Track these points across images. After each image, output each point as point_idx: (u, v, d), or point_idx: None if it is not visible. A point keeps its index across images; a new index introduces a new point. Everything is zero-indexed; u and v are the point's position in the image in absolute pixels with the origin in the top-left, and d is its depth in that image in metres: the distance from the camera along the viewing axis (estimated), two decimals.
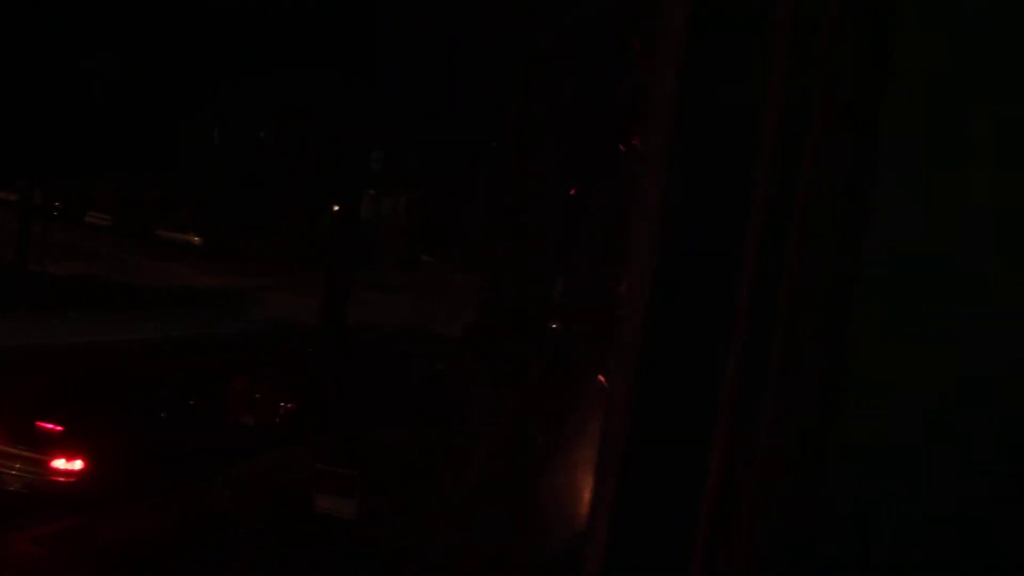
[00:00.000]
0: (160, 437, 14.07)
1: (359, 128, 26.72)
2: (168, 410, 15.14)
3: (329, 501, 11.77)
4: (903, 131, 1.48)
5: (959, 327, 1.47)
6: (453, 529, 12.24)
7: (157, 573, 11.11)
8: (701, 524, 1.52)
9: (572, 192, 17.72)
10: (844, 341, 1.48)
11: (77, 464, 12.80)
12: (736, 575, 1.51)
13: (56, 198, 36.68)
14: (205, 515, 13.25)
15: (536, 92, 18.93)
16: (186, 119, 35.87)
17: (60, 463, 12.62)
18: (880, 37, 1.45)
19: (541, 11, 19.00)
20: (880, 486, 1.50)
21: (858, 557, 1.53)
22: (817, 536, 1.51)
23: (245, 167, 38.33)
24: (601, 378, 10.70)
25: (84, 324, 21.92)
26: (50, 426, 13.07)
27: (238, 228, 39.20)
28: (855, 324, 1.49)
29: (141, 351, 20.25)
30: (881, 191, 1.48)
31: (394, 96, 25.30)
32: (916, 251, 1.48)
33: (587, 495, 10.03)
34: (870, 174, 1.48)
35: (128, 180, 38.72)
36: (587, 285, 16.92)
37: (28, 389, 14.36)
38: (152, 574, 11.13)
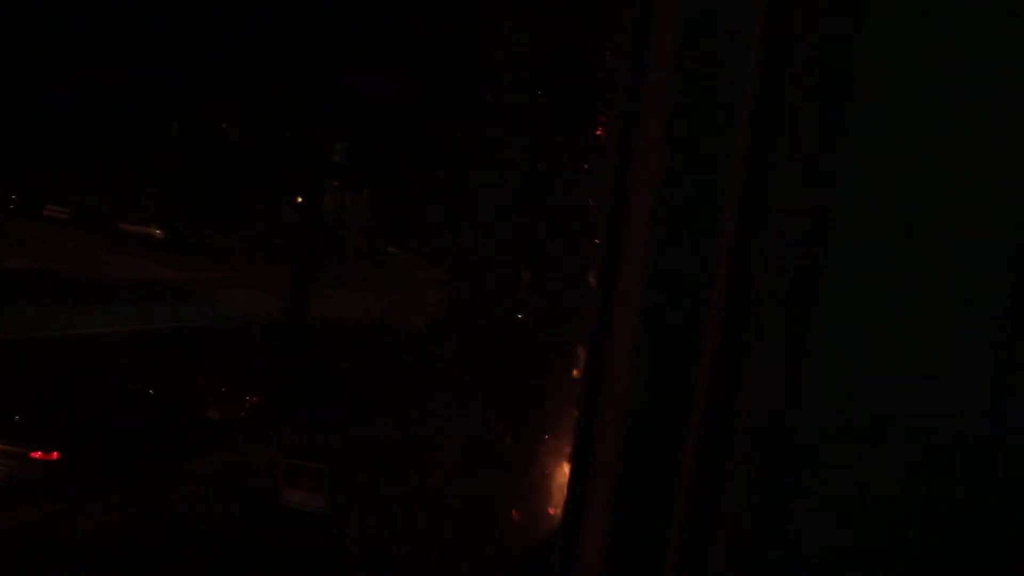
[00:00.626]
0: (129, 431, 14.29)
1: (321, 119, 26.54)
2: (136, 404, 15.22)
3: (297, 495, 11.69)
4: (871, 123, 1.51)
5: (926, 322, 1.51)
6: (423, 523, 12.27)
7: (122, 570, 11.02)
8: (689, 513, 1.56)
9: (538, 182, 17.74)
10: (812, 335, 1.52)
11: (53, 456, 13.02)
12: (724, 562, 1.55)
13: (13, 191, 36.10)
14: (171, 510, 13.18)
15: (501, 80, 18.90)
16: (142, 109, 35.52)
17: (37, 455, 12.87)
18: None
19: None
20: (851, 474, 1.54)
21: (834, 544, 1.56)
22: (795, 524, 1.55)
23: (205, 159, 38.02)
24: (576, 372, 10.75)
25: (41, 319, 21.64)
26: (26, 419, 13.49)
27: (200, 221, 38.84)
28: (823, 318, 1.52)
29: (102, 346, 20.10)
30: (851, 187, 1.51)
31: (355, 86, 25.18)
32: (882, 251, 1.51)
33: (556, 491, 10.10)
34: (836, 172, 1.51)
35: (87, 172, 38.22)
36: (553, 277, 16.97)
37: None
38: (117, 571, 11.03)
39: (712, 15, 1.60)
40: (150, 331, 22.61)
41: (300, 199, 30.20)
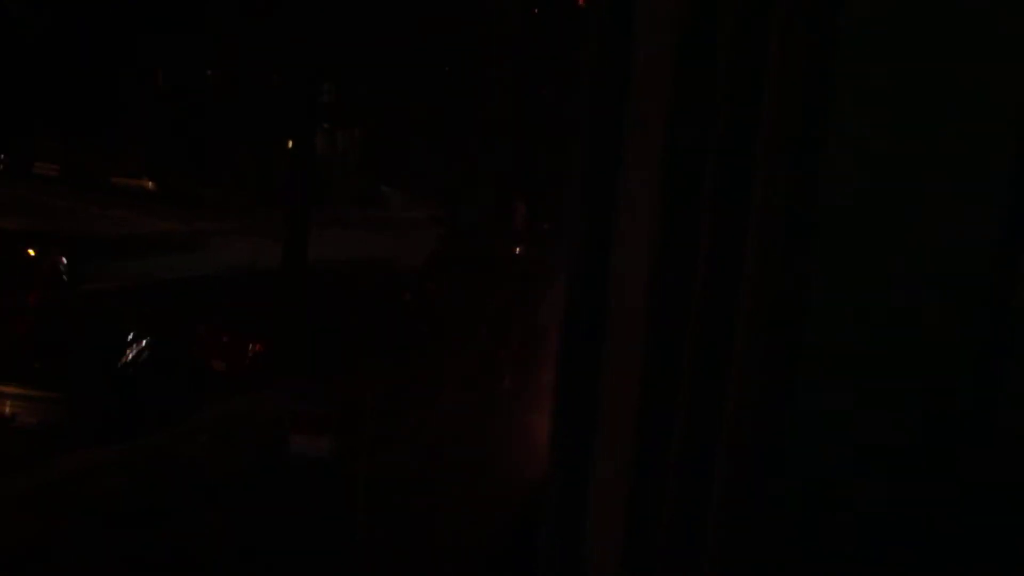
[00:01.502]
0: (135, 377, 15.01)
1: (307, 58, 26.16)
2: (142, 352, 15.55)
3: (303, 440, 11.77)
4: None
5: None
6: (423, 465, 12.38)
7: (131, 524, 11.14)
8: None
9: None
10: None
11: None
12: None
13: (1, 150, 35.83)
14: (178, 461, 13.32)
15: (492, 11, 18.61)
16: (127, 63, 35.05)
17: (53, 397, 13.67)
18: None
19: None
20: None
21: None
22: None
23: (194, 107, 37.60)
24: None
25: None
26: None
27: (192, 171, 38.58)
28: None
29: (106, 298, 20.05)
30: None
31: (341, 21, 24.78)
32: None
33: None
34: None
35: (74, 128, 37.87)
36: (550, 209, 16.90)
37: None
38: (126, 525, 11.16)
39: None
40: (150, 284, 22.53)
41: (291, 143, 29.95)
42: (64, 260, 21.18)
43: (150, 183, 38.40)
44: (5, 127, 33.96)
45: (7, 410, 13.45)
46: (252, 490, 12.43)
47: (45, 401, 13.57)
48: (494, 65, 18.62)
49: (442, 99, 24.20)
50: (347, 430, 12.45)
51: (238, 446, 14.36)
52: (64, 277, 20.79)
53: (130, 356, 15.18)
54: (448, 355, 15.93)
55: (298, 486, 11.84)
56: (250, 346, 17.62)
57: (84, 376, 14.06)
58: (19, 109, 32.73)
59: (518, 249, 19.19)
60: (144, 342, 15.67)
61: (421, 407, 14.66)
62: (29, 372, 13.90)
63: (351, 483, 11.32)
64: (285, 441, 12.19)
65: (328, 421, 12.06)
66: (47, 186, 35.14)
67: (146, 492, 12.17)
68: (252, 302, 19.94)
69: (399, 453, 13.03)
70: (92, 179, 37.67)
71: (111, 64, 33.95)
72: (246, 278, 24.02)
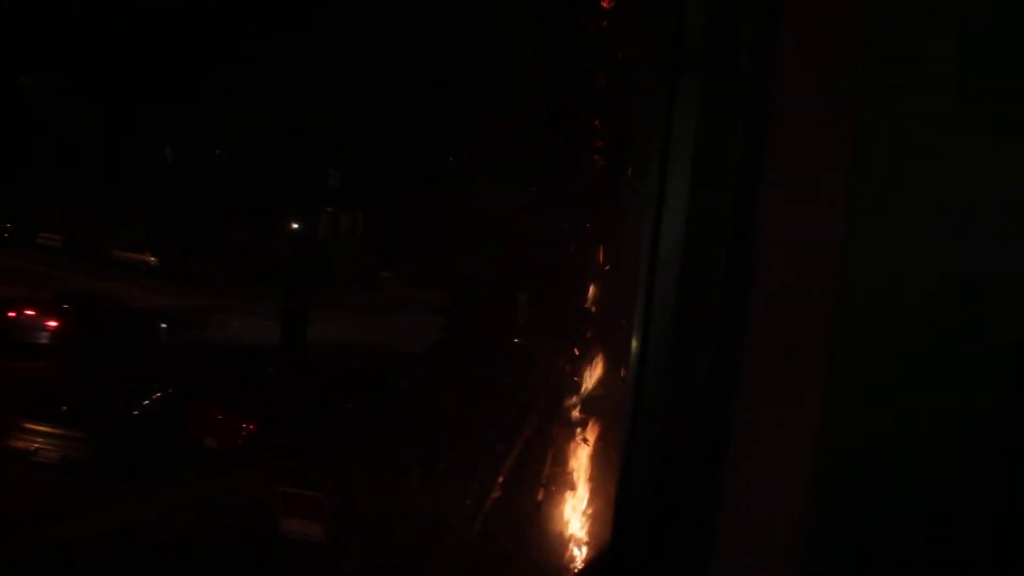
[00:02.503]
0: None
1: (315, 144, 26.59)
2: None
3: (295, 524, 11.64)
4: None
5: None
6: (422, 550, 12.20)
7: None
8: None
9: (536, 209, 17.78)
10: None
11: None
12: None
13: (5, 220, 36.06)
14: (168, 538, 13.12)
15: (497, 109, 18.96)
16: (135, 136, 35.53)
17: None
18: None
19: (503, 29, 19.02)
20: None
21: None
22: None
23: (200, 185, 38.00)
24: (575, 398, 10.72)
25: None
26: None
27: (194, 248, 38.78)
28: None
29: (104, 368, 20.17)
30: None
31: (350, 110, 25.23)
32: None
33: (556, 519, 10.05)
34: None
35: (78, 200, 38.19)
36: (551, 300, 16.97)
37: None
38: None
39: None
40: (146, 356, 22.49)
41: (295, 225, 30.21)
42: (164, 326, 24.45)
43: (151, 257, 38.55)
44: (10, 195, 34.24)
45: (32, 445, 14.92)
46: (236, 572, 12.21)
47: (68, 439, 14.97)
48: (501, 160, 18.92)
49: (447, 188, 24.53)
50: (338, 515, 12.32)
51: (225, 526, 14.16)
52: (163, 339, 23.93)
53: (146, 407, 16.84)
54: (443, 443, 15.81)
55: (285, 570, 11.64)
56: (243, 425, 17.51)
57: (104, 420, 15.63)
58: (25, 177, 33.06)
59: (517, 340, 19.21)
60: (159, 396, 17.29)
61: (414, 494, 14.50)
62: (57, 412, 15.43)
63: (344, 568, 11.16)
64: (275, 524, 12.04)
65: (320, 506, 11.94)
66: (49, 256, 35.25)
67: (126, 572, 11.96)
68: (247, 380, 19.85)
69: (390, 540, 12.85)
70: (93, 251, 37.85)
71: (119, 135, 34.45)
72: (240, 356, 23.98)
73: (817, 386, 1.51)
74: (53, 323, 21.34)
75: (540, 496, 10.39)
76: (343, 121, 25.53)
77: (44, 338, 20.99)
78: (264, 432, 17.33)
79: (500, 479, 11.40)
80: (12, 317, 21.44)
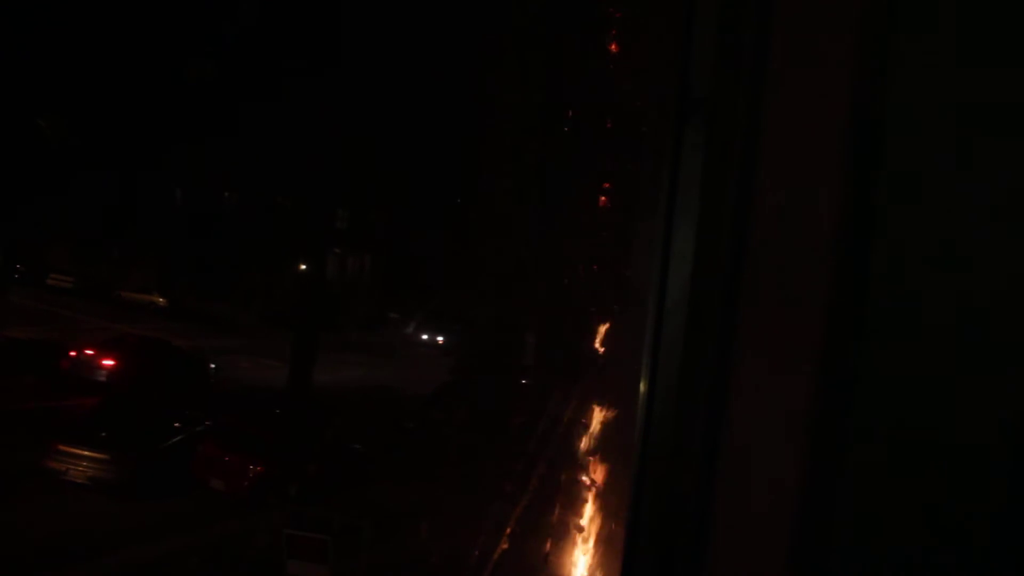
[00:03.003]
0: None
1: (324, 187, 26.75)
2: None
3: (301, 567, 11.54)
4: None
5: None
6: None
7: None
8: None
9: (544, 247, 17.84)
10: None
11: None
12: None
13: (17, 261, 36.31)
14: None
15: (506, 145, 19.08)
16: (145, 178, 35.83)
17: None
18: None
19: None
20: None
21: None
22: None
23: (209, 227, 38.25)
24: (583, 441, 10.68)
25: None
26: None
27: (203, 289, 38.94)
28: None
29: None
30: None
31: (359, 153, 25.40)
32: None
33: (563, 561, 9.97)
34: None
35: (89, 241, 38.46)
36: (560, 342, 16.97)
37: None
38: None
39: None
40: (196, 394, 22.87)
41: (303, 267, 30.32)
42: (213, 366, 25.57)
43: (161, 299, 38.73)
44: (22, 236, 34.49)
45: (64, 466, 16.05)
46: None
47: (96, 461, 16.14)
48: (510, 203, 19.01)
49: (455, 231, 24.63)
50: (345, 558, 12.23)
51: (232, 569, 14.07)
52: (211, 379, 25.05)
53: (167, 437, 17.82)
54: (450, 485, 15.74)
55: None
56: (250, 466, 17.44)
57: (131, 445, 16.72)
58: (37, 218, 33.30)
59: (525, 381, 19.19)
60: (179, 426, 18.32)
61: (420, 535, 14.41)
62: (90, 437, 16.64)
63: None
64: (281, 566, 11.95)
65: (326, 549, 11.85)
66: (59, 297, 35.45)
67: None
68: (254, 422, 19.82)
69: None
70: (104, 293, 38.07)
71: (130, 177, 34.73)
72: (248, 397, 24.02)
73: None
74: (109, 362, 22.71)
75: (548, 547, 10.32)
76: (352, 164, 25.70)
77: (102, 376, 22.36)
78: (271, 474, 17.27)
79: (508, 530, 11.32)
80: (73, 356, 22.95)
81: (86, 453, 16.20)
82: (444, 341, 36.06)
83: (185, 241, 38.83)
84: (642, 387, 1.89)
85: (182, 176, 38.33)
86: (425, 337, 38.29)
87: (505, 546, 11.08)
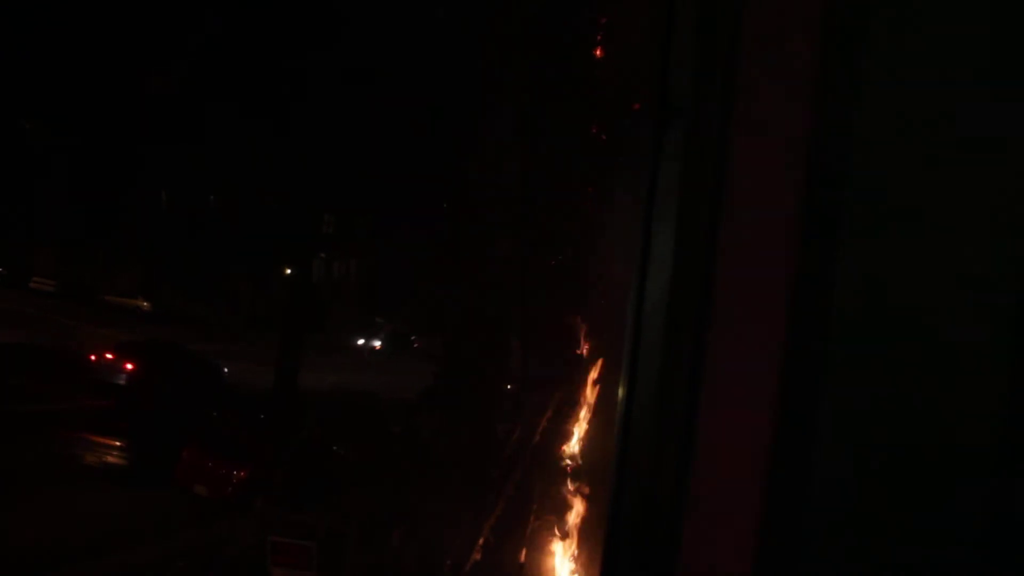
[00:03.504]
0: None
1: (309, 190, 26.70)
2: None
3: (285, 573, 11.50)
4: None
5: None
6: None
7: None
8: None
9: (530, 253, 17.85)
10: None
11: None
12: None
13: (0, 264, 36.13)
14: None
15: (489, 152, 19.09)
16: (130, 180, 35.67)
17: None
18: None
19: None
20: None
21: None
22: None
23: (194, 230, 38.10)
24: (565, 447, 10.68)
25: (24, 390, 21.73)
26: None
27: (187, 292, 38.80)
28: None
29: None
30: None
31: (343, 157, 25.36)
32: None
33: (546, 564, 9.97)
34: None
35: (73, 244, 38.26)
36: (545, 346, 16.96)
37: None
38: None
39: None
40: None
41: (288, 270, 30.25)
42: (226, 370, 26.55)
43: (144, 303, 38.56)
44: (4, 239, 34.30)
45: (81, 451, 17.47)
46: None
47: (109, 447, 17.45)
48: (496, 209, 19.01)
49: (442, 238, 24.60)
50: (329, 563, 12.19)
51: (216, 575, 14.02)
52: (225, 381, 25.99)
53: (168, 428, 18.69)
54: (435, 489, 15.71)
55: None
56: (234, 471, 17.39)
57: (141, 432, 17.97)
58: (20, 221, 33.12)
59: (509, 386, 19.15)
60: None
61: (405, 540, 14.38)
62: (106, 424, 17.97)
63: None
64: (266, 572, 11.91)
65: (310, 555, 11.81)
66: (42, 301, 35.26)
67: None
68: (239, 426, 19.77)
69: None
70: (87, 296, 37.88)
71: (114, 180, 34.58)
72: (234, 401, 23.94)
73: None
74: (130, 366, 23.63)
75: (523, 557, 10.30)
76: (338, 168, 25.66)
77: (122, 379, 23.31)
78: (255, 479, 17.22)
79: (480, 540, 11.29)
80: (93, 360, 23.94)
81: (102, 440, 17.48)
82: (429, 346, 35.94)
83: (170, 244, 38.68)
84: (620, 391, 1.90)
85: (167, 178, 38.18)
86: (361, 342, 38.54)
87: (478, 556, 11.07)
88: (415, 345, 36.25)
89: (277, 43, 24.18)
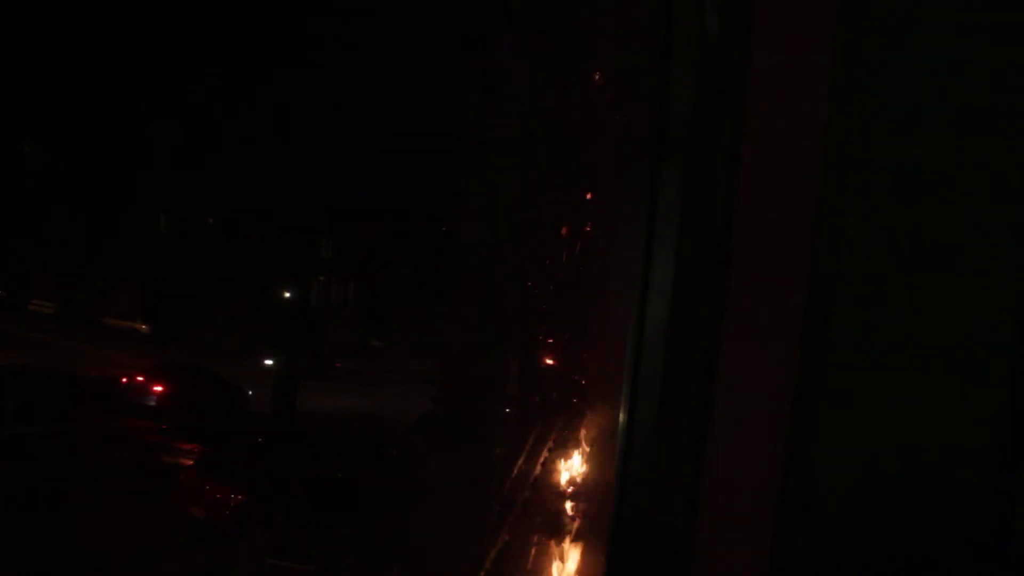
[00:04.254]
0: None
1: (308, 214, 26.75)
2: None
3: None
4: None
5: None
6: None
7: None
8: None
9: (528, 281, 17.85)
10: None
11: None
12: None
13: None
14: None
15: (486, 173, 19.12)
16: (129, 203, 35.71)
17: None
18: None
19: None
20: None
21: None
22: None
23: (193, 253, 38.10)
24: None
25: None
26: None
27: (186, 315, 38.75)
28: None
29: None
30: None
31: (344, 180, 25.42)
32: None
33: None
34: None
35: (72, 267, 38.25)
36: (543, 369, 16.93)
37: None
38: None
39: None
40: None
41: (287, 294, 30.25)
42: (250, 392, 26.64)
43: (143, 325, 38.50)
44: (4, 261, 34.32)
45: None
46: None
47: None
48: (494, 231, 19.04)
49: (438, 259, 24.63)
50: None
51: None
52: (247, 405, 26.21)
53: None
54: (433, 512, 15.64)
55: None
56: (232, 495, 17.31)
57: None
58: (19, 243, 33.15)
59: (509, 410, 19.11)
60: None
61: (403, 565, 14.32)
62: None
63: None
64: None
65: None
66: (41, 323, 35.22)
67: None
68: (236, 449, 19.72)
69: None
70: (86, 318, 37.84)
71: (113, 203, 34.62)
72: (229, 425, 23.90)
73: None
74: (159, 388, 24.06)
75: None
76: (336, 192, 25.73)
77: (152, 401, 23.62)
78: (253, 502, 17.15)
79: (481, 572, 11.22)
80: (124, 383, 24.42)
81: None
82: (425, 368, 35.83)
83: (169, 268, 38.68)
84: (621, 417, 1.92)
85: (167, 203, 38.24)
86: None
87: None
88: (336, 366, 36.44)
89: (275, 56, 24.26)
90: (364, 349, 41.37)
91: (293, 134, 24.32)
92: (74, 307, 38.08)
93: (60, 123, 30.19)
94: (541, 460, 12.39)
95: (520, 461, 13.65)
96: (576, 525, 9.35)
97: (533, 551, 10.25)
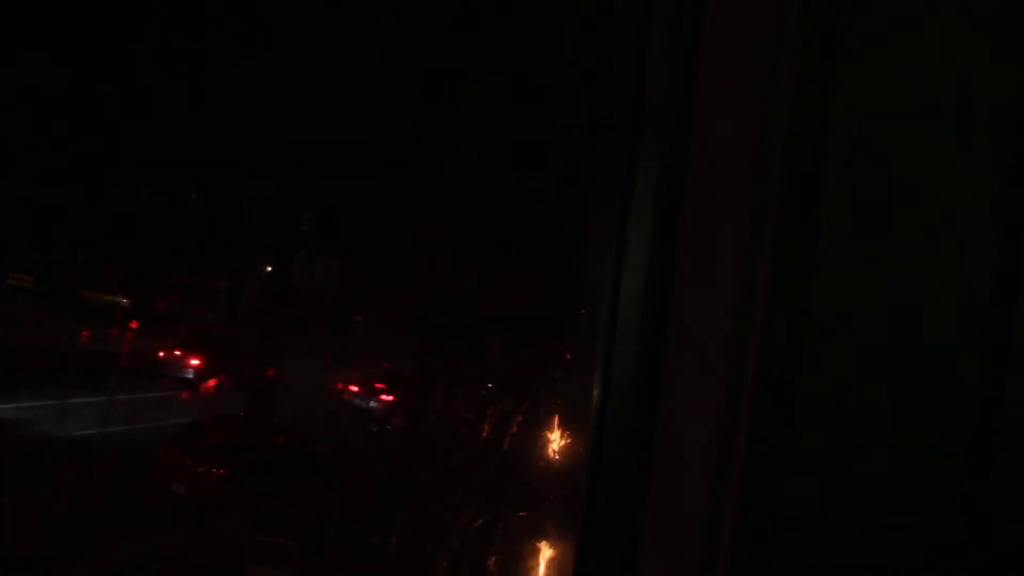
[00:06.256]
0: None
1: (290, 189, 26.56)
2: None
3: (261, 573, 11.46)
4: None
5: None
6: None
7: None
8: None
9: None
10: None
11: None
12: None
13: None
14: None
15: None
16: (111, 179, 35.36)
17: None
18: None
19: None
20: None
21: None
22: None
23: (174, 228, 37.81)
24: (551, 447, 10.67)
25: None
26: None
27: (167, 290, 38.54)
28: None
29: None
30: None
31: (327, 155, 25.24)
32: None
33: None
34: None
35: (51, 241, 37.93)
36: (528, 346, 16.99)
37: None
38: None
39: None
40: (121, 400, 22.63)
41: (268, 269, 30.11)
42: None
43: (124, 300, 38.26)
44: None
45: None
46: None
47: None
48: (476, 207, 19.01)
49: (423, 237, 24.56)
50: (308, 562, 12.17)
51: (193, 574, 13.97)
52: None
53: None
54: (415, 489, 15.71)
55: None
56: (212, 470, 17.31)
57: None
58: None
59: (490, 384, 19.19)
60: None
61: (384, 538, 14.37)
62: None
63: None
64: (243, 571, 11.87)
65: (287, 554, 11.79)
66: (18, 297, 34.97)
67: None
68: (218, 424, 19.69)
69: None
70: (65, 293, 37.58)
71: (93, 176, 34.27)
72: (212, 400, 23.86)
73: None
74: (196, 361, 25.85)
75: (495, 557, 10.26)
76: (319, 166, 25.53)
77: (189, 374, 25.50)
78: (233, 478, 17.15)
79: (455, 541, 11.27)
80: (162, 356, 25.93)
81: None
82: (410, 344, 35.95)
83: (150, 243, 38.39)
84: (595, 393, 1.90)
85: (147, 177, 37.90)
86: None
87: (453, 555, 11.06)
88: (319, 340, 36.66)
89: (253, 34, 23.98)
90: (347, 325, 41.35)
91: (275, 101, 24.07)
92: (53, 282, 37.81)
93: (33, 93, 29.81)
94: (512, 432, 12.45)
95: (489, 436, 13.70)
96: (549, 495, 9.40)
97: (503, 526, 10.29)
